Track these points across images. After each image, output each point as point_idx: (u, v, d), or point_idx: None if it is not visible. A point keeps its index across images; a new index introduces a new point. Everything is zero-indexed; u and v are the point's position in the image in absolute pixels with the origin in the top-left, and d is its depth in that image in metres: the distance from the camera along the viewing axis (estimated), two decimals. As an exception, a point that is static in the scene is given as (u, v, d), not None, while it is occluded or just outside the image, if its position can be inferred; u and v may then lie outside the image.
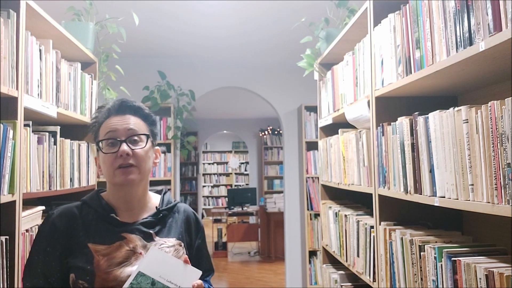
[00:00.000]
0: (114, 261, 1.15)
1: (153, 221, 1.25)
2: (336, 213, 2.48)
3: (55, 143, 2.03)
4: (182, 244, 1.27)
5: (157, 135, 1.32)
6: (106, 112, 1.25)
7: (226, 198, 8.73)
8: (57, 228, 1.19)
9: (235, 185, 11.84)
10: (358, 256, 2.09)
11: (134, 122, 1.24)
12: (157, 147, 1.31)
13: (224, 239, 7.72)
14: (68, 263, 1.17)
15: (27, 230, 1.71)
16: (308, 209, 4.33)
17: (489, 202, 1.08)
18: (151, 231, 1.23)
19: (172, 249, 1.23)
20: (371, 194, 1.87)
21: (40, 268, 1.17)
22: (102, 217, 1.22)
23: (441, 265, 1.30)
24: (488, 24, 1.06)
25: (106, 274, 1.14)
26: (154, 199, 1.32)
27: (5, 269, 1.51)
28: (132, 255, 1.17)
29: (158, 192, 1.36)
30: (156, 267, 1.10)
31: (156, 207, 1.28)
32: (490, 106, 1.07)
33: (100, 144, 1.22)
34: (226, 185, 11.86)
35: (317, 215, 4.24)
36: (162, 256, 1.13)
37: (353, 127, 2.22)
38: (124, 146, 1.19)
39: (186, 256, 1.19)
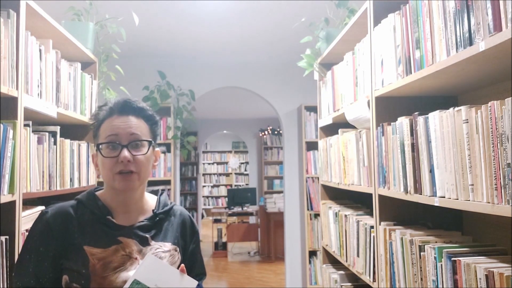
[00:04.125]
0: (110, 265, 1.13)
1: (149, 224, 1.23)
2: (336, 213, 2.48)
3: (55, 143, 2.03)
4: (178, 249, 1.25)
5: (158, 135, 1.29)
6: (108, 111, 1.21)
7: (226, 198, 8.73)
8: (51, 228, 1.16)
9: (235, 185, 11.84)
10: (358, 256, 2.09)
11: (137, 126, 1.20)
12: (157, 149, 1.28)
13: (224, 239, 7.72)
14: (61, 265, 1.14)
15: (27, 230, 1.71)
16: (308, 209, 4.33)
17: (489, 202, 1.08)
18: (147, 235, 1.21)
19: (167, 254, 1.21)
20: (371, 194, 1.87)
21: (32, 268, 1.14)
22: (98, 218, 1.19)
23: (441, 265, 1.30)
24: (488, 24, 1.06)
25: (102, 279, 1.12)
26: (151, 201, 1.30)
27: (5, 269, 1.51)
28: (127, 260, 1.15)
29: (154, 192, 1.34)
30: (152, 275, 1.08)
31: (153, 210, 1.26)
32: (490, 106, 1.07)
33: (100, 146, 1.18)
34: (226, 185, 11.86)
35: (317, 215, 4.23)
36: (159, 264, 1.11)
37: (353, 127, 2.22)
38: (125, 152, 1.15)
39: (183, 265, 1.16)
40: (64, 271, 1.14)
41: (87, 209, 1.21)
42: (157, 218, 1.25)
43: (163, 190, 1.35)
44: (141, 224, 1.22)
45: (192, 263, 1.31)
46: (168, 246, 1.23)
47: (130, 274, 1.11)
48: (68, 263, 1.14)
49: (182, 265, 1.15)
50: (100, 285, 1.12)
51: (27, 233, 1.69)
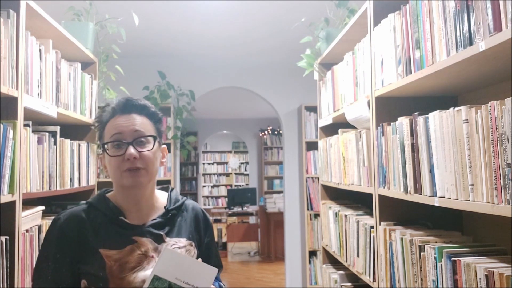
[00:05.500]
0: (126, 266, 1.13)
1: (162, 221, 1.23)
2: (336, 213, 2.48)
3: (55, 143, 2.03)
4: (193, 244, 1.26)
5: (163, 133, 1.28)
6: (111, 111, 1.21)
7: (226, 198, 8.73)
8: (65, 234, 1.16)
9: (235, 185, 11.83)
10: (358, 256, 2.09)
11: (140, 123, 1.20)
12: (163, 146, 1.28)
13: (224, 239, 7.72)
14: (79, 269, 1.14)
15: (27, 230, 1.71)
16: (308, 209, 4.33)
17: (489, 202, 1.08)
18: (161, 232, 1.20)
19: (183, 250, 1.21)
20: (371, 194, 1.87)
21: (50, 275, 1.14)
22: (110, 220, 1.19)
23: (441, 265, 1.30)
24: (488, 24, 1.06)
25: (120, 280, 1.12)
26: (162, 198, 1.29)
27: (5, 269, 1.50)
28: (144, 259, 1.15)
29: (164, 189, 1.34)
30: (171, 269, 1.05)
31: (165, 206, 1.26)
32: (490, 106, 1.07)
33: (106, 146, 1.18)
34: (226, 185, 11.85)
35: (317, 215, 4.23)
36: (177, 257, 1.09)
37: (353, 127, 2.22)
38: (131, 149, 1.15)
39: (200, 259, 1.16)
40: (82, 275, 1.14)
41: (99, 211, 1.21)
42: (170, 215, 1.25)
43: (172, 187, 1.34)
44: (154, 221, 1.22)
45: (207, 257, 1.30)
46: (183, 241, 1.23)
47: (147, 273, 1.10)
48: (85, 267, 1.14)
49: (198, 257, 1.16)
50: (119, 286, 1.11)
51: (27, 233, 1.70)
